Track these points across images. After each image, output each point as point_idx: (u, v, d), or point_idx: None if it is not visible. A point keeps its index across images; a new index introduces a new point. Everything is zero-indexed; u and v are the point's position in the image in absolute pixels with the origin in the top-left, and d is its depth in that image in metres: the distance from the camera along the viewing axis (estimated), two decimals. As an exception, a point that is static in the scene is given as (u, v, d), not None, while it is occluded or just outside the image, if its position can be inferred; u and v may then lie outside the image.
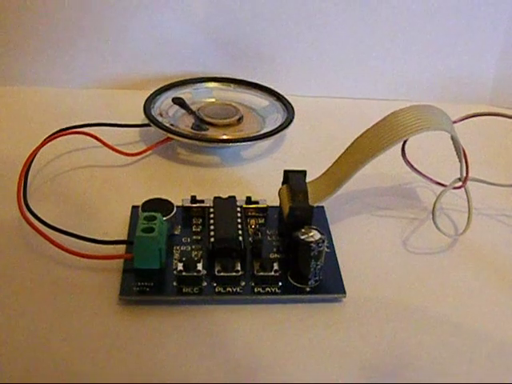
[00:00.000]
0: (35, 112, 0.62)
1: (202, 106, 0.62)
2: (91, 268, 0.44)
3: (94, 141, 0.55)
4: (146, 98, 0.61)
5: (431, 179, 0.52)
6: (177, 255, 0.45)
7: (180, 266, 0.42)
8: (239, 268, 0.43)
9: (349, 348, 0.40)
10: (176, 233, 0.47)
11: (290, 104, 0.62)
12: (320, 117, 0.65)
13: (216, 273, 0.43)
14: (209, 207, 0.47)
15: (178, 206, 0.47)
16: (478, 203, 0.51)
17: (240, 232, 0.44)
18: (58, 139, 0.54)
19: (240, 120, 0.61)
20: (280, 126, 0.59)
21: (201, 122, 0.59)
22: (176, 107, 0.62)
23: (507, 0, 0.64)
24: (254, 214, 0.49)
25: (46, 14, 0.63)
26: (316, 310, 0.43)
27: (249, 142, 0.57)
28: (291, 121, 0.59)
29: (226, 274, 0.43)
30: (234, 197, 0.48)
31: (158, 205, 0.46)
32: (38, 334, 0.40)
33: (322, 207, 0.50)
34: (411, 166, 0.52)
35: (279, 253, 0.46)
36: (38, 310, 0.41)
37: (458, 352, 0.41)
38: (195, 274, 0.42)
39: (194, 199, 0.49)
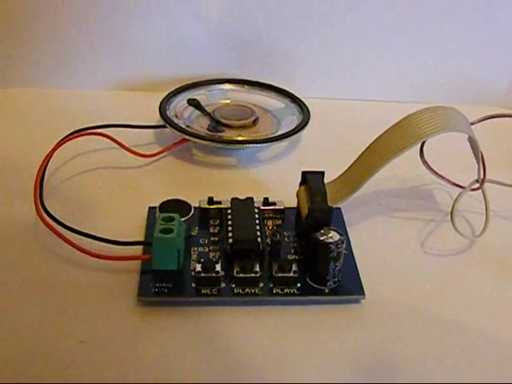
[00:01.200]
0: (51, 113, 0.62)
1: (218, 107, 0.62)
2: (108, 269, 0.44)
3: (110, 142, 0.55)
4: (161, 99, 0.61)
5: (449, 181, 0.52)
6: (194, 256, 0.45)
7: (198, 267, 0.42)
8: (258, 269, 0.43)
9: (368, 349, 0.40)
10: (193, 234, 0.47)
11: (305, 106, 0.62)
12: (335, 118, 0.65)
13: (235, 274, 0.43)
14: (226, 208, 0.47)
15: (195, 207, 0.47)
16: (495, 205, 0.51)
17: (258, 233, 0.44)
18: (74, 140, 0.54)
19: (256, 121, 0.61)
20: (296, 127, 0.59)
21: (216, 124, 0.59)
22: (191, 109, 0.62)
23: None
24: (271, 215, 0.49)
25: (63, 17, 0.63)
26: (335, 312, 0.42)
27: (265, 144, 0.57)
28: (307, 122, 0.59)
29: (244, 275, 0.43)
30: (251, 198, 0.47)
31: (175, 206, 0.46)
32: (56, 336, 0.40)
33: (339, 209, 0.50)
34: (429, 168, 0.52)
35: (297, 254, 0.46)
36: (55, 311, 0.41)
37: (475, 355, 0.40)
38: (214, 274, 0.42)
39: (211, 200, 0.48)
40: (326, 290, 0.43)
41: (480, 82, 0.67)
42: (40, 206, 0.47)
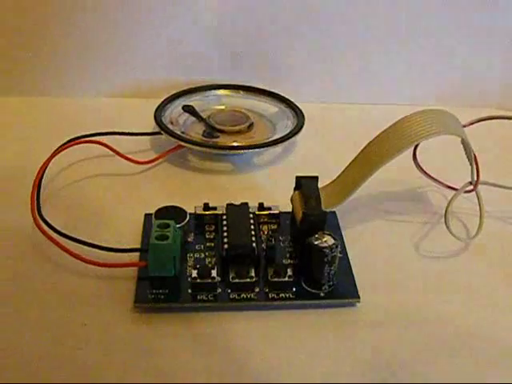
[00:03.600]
0: (47, 122, 0.63)
1: (213, 113, 0.62)
2: (105, 276, 0.44)
3: (106, 149, 0.55)
4: (156, 106, 0.61)
5: (442, 183, 0.53)
6: (191, 262, 0.45)
7: (194, 273, 0.43)
8: (253, 274, 0.43)
9: (363, 352, 0.40)
10: (189, 240, 0.47)
11: (299, 110, 0.62)
12: (330, 122, 0.65)
13: (230, 279, 0.43)
14: (221, 214, 0.47)
15: (190, 214, 0.47)
16: (489, 206, 0.51)
17: (253, 238, 0.44)
18: (70, 148, 0.55)
19: (250, 127, 0.61)
20: (290, 132, 0.59)
21: (211, 130, 0.60)
22: (186, 115, 0.62)
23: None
24: (266, 220, 0.49)
25: (57, 24, 0.63)
26: (330, 315, 0.43)
27: (260, 149, 0.57)
28: (301, 127, 0.59)
29: (240, 281, 0.43)
30: (246, 203, 0.48)
31: (171, 212, 0.47)
32: (53, 343, 0.40)
33: (334, 212, 0.50)
34: (422, 171, 0.52)
35: (292, 258, 0.46)
36: (53, 319, 0.42)
37: (471, 356, 0.41)
38: (210, 280, 0.42)
39: (206, 206, 0.49)
40: (322, 294, 0.43)
41: (473, 85, 0.67)
42: (37, 214, 0.47)
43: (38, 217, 0.47)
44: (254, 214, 0.48)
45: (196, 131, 0.60)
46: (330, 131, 0.63)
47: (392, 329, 0.42)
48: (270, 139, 0.58)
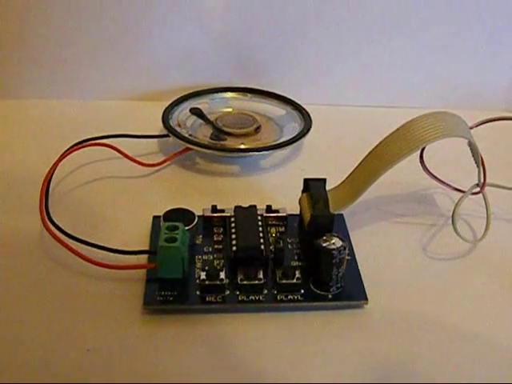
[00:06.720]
0: (55, 124, 0.63)
1: (220, 115, 0.62)
2: (114, 278, 0.45)
3: (114, 152, 0.55)
4: (164, 108, 0.61)
5: (449, 185, 0.53)
6: (199, 264, 0.45)
7: (203, 275, 0.43)
8: (261, 276, 0.43)
9: (371, 354, 0.40)
10: (197, 242, 0.47)
11: (307, 113, 0.62)
12: (337, 125, 0.65)
13: (239, 281, 0.43)
14: (230, 216, 0.48)
15: (198, 216, 0.48)
16: (496, 208, 0.51)
17: (261, 240, 0.45)
18: (78, 151, 0.55)
19: (258, 129, 0.61)
20: (298, 134, 0.59)
21: (219, 132, 0.60)
22: (194, 117, 0.62)
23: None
24: (274, 222, 0.49)
25: (64, 27, 0.64)
26: (338, 317, 0.43)
27: (267, 151, 0.57)
28: (309, 129, 0.60)
29: (248, 283, 0.43)
30: (254, 206, 0.48)
31: (179, 215, 0.47)
32: (62, 344, 0.40)
33: (342, 215, 0.50)
34: (429, 173, 0.52)
35: (300, 260, 0.46)
36: (62, 321, 0.42)
37: (478, 360, 0.41)
38: (218, 282, 0.43)
39: (214, 209, 0.49)
40: (330, 296, 0.43)
41: (479, 87, 0.67)
42: (46, 217, 0.47)
43: (46, 219, 0.47)
44: (261, 216, 0.48)
45: (203, 134, 0.60)
46: (337, 133, 0.63)
47: (400, 331, 0.42)
48: (278, 141, 0.58)
